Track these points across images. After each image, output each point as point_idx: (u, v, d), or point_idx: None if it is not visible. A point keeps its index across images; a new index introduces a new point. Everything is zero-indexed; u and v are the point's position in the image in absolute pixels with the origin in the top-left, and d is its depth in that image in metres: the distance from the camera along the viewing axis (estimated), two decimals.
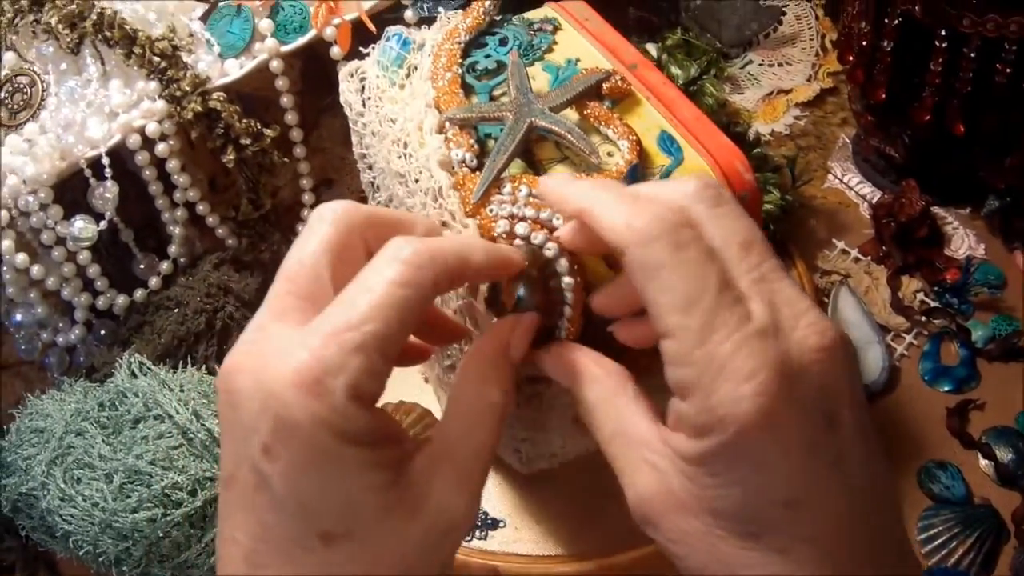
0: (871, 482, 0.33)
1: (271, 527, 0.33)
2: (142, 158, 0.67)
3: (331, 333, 0.32)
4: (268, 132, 0.70)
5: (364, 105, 0.54)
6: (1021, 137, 0.75)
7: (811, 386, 0.32)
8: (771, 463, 0.31)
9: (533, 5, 0.59)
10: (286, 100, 0.71)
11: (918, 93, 0.74)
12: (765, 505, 0.32)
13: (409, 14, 0.73)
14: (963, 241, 0.80)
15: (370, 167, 0.57)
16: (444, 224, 0.45)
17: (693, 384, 0.32)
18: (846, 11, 0.80)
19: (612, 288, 0.40)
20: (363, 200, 0.57)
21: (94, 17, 0.67)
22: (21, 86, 0.68)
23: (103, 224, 0.67)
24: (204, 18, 0.71)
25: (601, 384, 0.38)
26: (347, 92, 0.55)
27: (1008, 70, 0.69)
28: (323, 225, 0.37)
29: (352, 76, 0.56)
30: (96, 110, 0.66)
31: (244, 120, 0.68)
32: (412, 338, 0.42)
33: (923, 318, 0.76)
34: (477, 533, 0.61)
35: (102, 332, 0.70)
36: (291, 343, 0.33)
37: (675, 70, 0.85)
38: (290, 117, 0.72)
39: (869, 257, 0.80)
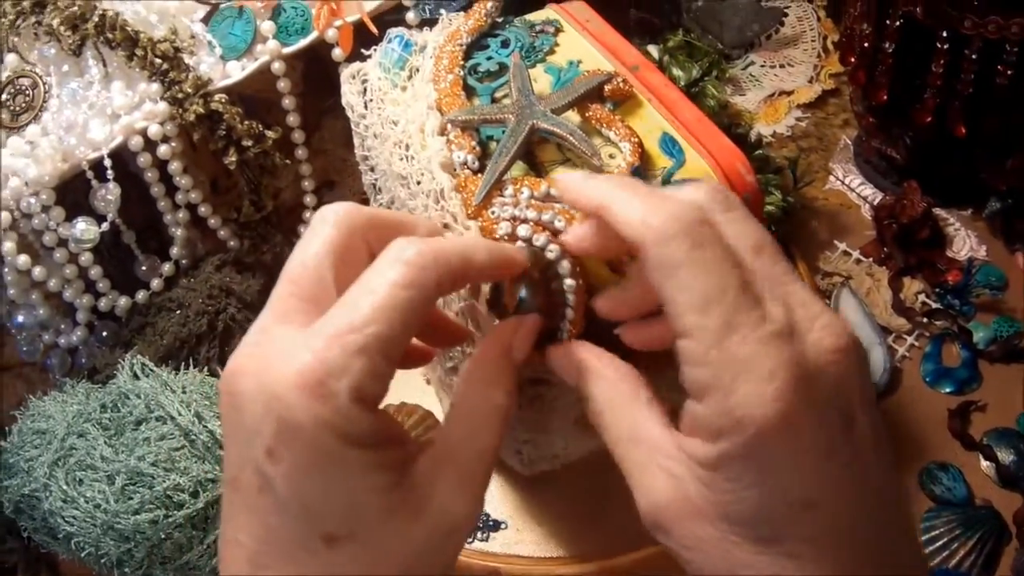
0: (884, 483, 0.33)
1: (274, 529, 0.33)
2: (144, 160, 0.67)
3: (334, 335, 0.32)
4: (270, 134, 0.70)
5: (366, 107, 0.54)
6: (1022, 139, 0.75)
7: (828, 387, 0.32)
8: (789, 465, 0.31)
9: (535, 7, 0.59)
10: (288, 102, 0.71)
11: (920, 95, 0.74)
12: (782, 508, 0.32)
13: (411, 16, 0.73)
14: (965, 243, 0.81)
15: (372, 169, 0.57)
16: (446, 226, 0.45)
17: (710, 385, 0.32)
18: (848, 12, 0.80)
19: (618, 291, 0.40)
20: (365, 202, 0.57)
21: (96, 19, 0.67)
22: (23, 88, 0.68)
23: (105, 226, 0.67)
24: (206, 20, 0.71)
25: (614, 386, 0.37)
26: (349, 94, 0.55)
27: (1009, 72, 0.69)
28: (325, 227, 0.37)
29: (354, 78, 0.56)
30: (98, 112, 0.66)
31: (246, 122, 0.68)
32: (414, 340, 0.42)
33: (924, 319, 0.76)
34: (479, 535, 0.61)
35: (104, 334, 0.70)
36: (294, 345, 0.33)
37: (677, 72, 0.85)
38: (292, 119, 0.72)
39: (871, 259, 0.80)
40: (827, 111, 0.94)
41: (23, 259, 0.65)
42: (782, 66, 0.97)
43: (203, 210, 0.71)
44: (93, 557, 0.56)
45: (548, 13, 0.57)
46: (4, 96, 0.68)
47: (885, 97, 0.77)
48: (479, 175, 0.45)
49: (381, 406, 0.34)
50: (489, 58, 0.52)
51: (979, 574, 0.62)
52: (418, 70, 0.53)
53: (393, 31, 0.56)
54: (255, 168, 0.70)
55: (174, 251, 0.72)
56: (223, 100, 0.67)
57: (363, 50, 0.58)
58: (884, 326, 0.75)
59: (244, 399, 0.32)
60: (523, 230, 0.41)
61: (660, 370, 0.39)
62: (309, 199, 0.77)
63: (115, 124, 0.66)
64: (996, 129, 0.74)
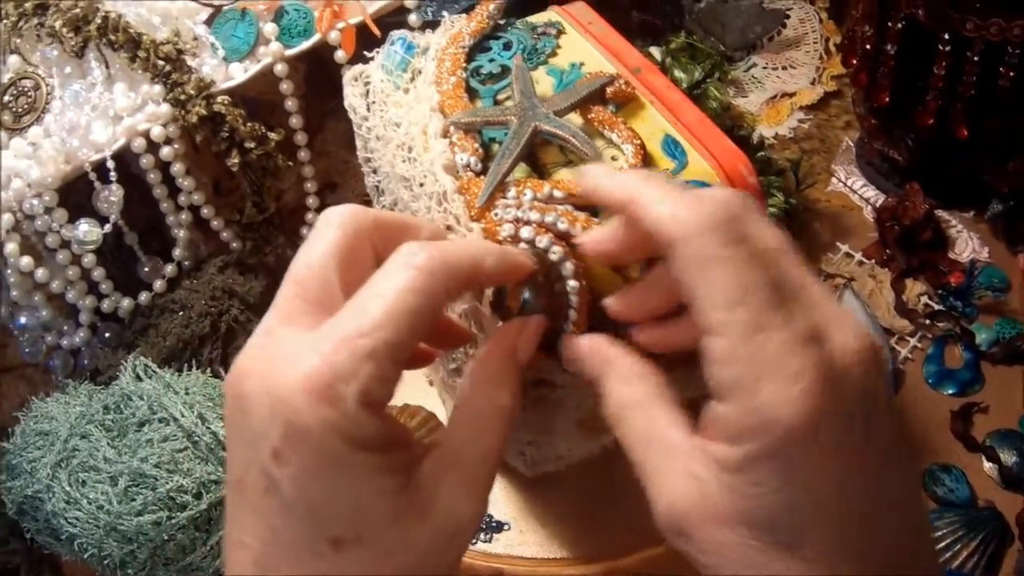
0: (904, 486, 0.33)
1: (281, 531, 0.33)
2: (146, 161, 0.67)
3: (342, 339, 0.32)
4: (272, 136, 0.70)
5: (368, 109, 0.54)
6: None
7: (853, 389, 0.31)
8: (814, 468, 0.31)
9: (537, 9, 0.59)
10: (290, 104, 0.71)
11: (922, 97, 0.74)
12: (806, 512, 0.31)
13: (413, 18, 0.73)
14: (967, 244, 0.81)
15: (374, 171, 0.57)
16: (449, 228, 0.45)
17: (736, 384, 0.31)
18: (850, 14, 0.80)
19: (631, 292, 0.40)
20: (367, 204, 0.57)
21: (98, 21, 0.67)
22: (25, 89, 0.68)
23: (108, 227, 0.67)
24: (208, 22, 0.71)
25: (635, 386, 0.37)
26: (351, 96, 0.55)
27: (1011, 74, 0.69)
28: (330, 229, 0.37)
29: (356, 80, 0.56)
30: (100, 114, 0.66)
31: (248, 124, 0.68)
32: None
33: (927, 321, 0.76)
34: (482, 536, 0.61)
35: (107, 335, 0.70)
36: (301, 348, 0.32)
37: (679, 74, 0.85)
38: (294, 121, 0.72)
39: (873, 260, 0.80)
40: (829, 113, 0.94)
41: (26, 260, 0.65)
42: (784, 68, 0.97)
43: (206, 212, 0.71)
44: (96, 558, 0.56)
45: (550, 15, 0.57)
46: (6, 98, 0.68)
47: (887, 99, 0.77)
48: (482, 177, 0.45)
49: None
50: (491, 60, 0.52)
51: (981, 575, 0.62)
52: (420, 72, 0.53)
53: (396, 33, 0.55)
54: (258, 170, 0.70)
55: (177, 252, 0.72)
56: (226, 102, 0.67)
57: (366, 52, 0.58)
58: (886, 328, 0.75)
59: (250, 401, 0.32)
60: (526, 232, 0.41)
61: (668, 371, 0.38)
62: (311, 201, 0.77)
63: (118, 126, 0.66)
64: (998, 131, 0.74)
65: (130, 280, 0.71)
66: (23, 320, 0.69)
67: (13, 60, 0.69)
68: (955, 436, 0.68)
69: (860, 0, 0.77)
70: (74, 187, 0.66)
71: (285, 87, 0.70)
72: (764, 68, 0.97)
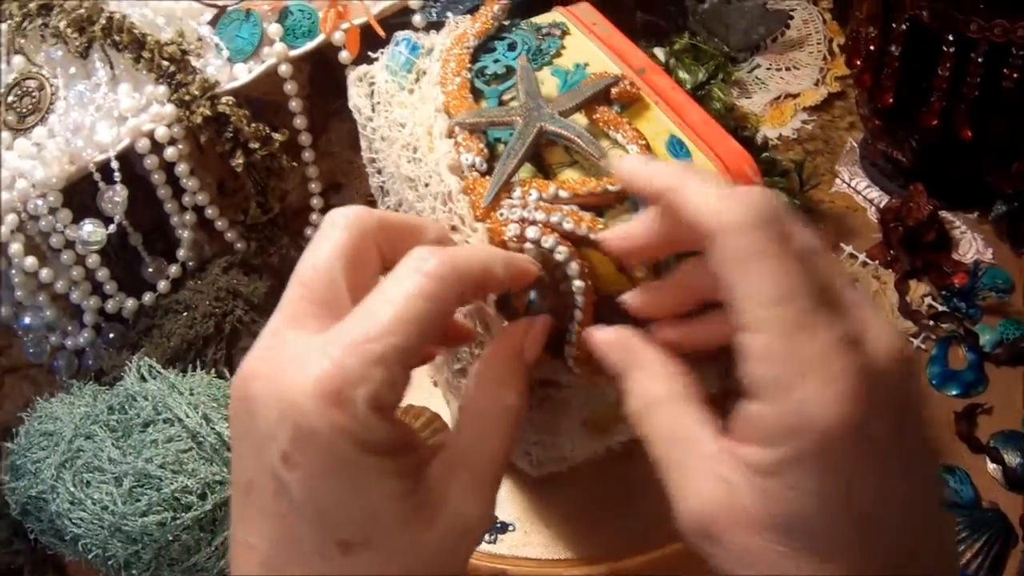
0: (934, 492, 0.33)
1: (289, 534, 0.33)
2: (151, 162, 0.67)
3: (352, 343, 0.32)
4: (277, 136, 0.70)
5: (373, 110, 0.54)
6: None
7: (890, 393, 0.31)
8: (851, 473, 0.30)
9: (542, 10, 0.59)
10: (295, 104, 0.72)
11: (926, 98, 0.74)
12: (839, 518, 0.31)
13: (418, 19, 0.73)
14: (971, 245, 0.80)
15: (379, 171, 0.57)
16: (454, 228, 0.45)
17: (774, 382, 0.31)
18: (854, 15, 0.80)
19: (654, 287, 0.39)
20: (372, 204, 0.57)
21: (103, 21, 0.67)
22: (30, 90, 0.68)
23: (112, 228, 0.67)
24: (213, 22, 0.71)
25: (661, 382, 0.36)
26: (356, 97, 0.55)
27: (1015, 75, 0.69)
28: (336, 230, 0.36)
29: (361, 80, 0.56)
30: (105, 114, 0.66)
31: (253, 124, 0.68)
32: None
33: (931, 322, 0.75)
34: (486, 537, 0.60)
35: (111, 335, 0.71)
36: (309, 351, 0.32)
37: (683, 74, 0.85)
38: (299, 121, 0.72)
39: (877, 261, 0.80)
40: (833, 114, 0.94)
41: (30, 261, 0.66)
42: (788, 69, 0.97)
43: (210, 212, 0.72)
44: (100, 559, 0.56)
45: (555, 16, 0.57)
46: (11, 98, 0.68)
47: (891, 100, 0.77)
48: (487, 177, 0.45)
49: None
50: (496, 61, 0.52)
51: None
52: (425, 73, 0.53)
53: (400, 34, 0.55)
54: (262, 170, 0.70)
55: (181, 253, 0.72)
56: (230, 102, 0.68)
57: (370, 53, 0.57)
58: None
59: (257, 403, 0.32)
60: (531, 232, 0.41)
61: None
62: (316, 201, 0.77)
63: (122, 126, 0.66)
64: (1002, 132, 0.74)
65: (134, 280, 0.71)
66: (27, 320, 0.69)
67: (17, 60, 0.69)
68: (959, 437, 0.68)
69: (864, 1, 0.77)
70: (78, 187, 0.66)
71: (289, 88, 0.70)
72: (768, 69, 0.97)
